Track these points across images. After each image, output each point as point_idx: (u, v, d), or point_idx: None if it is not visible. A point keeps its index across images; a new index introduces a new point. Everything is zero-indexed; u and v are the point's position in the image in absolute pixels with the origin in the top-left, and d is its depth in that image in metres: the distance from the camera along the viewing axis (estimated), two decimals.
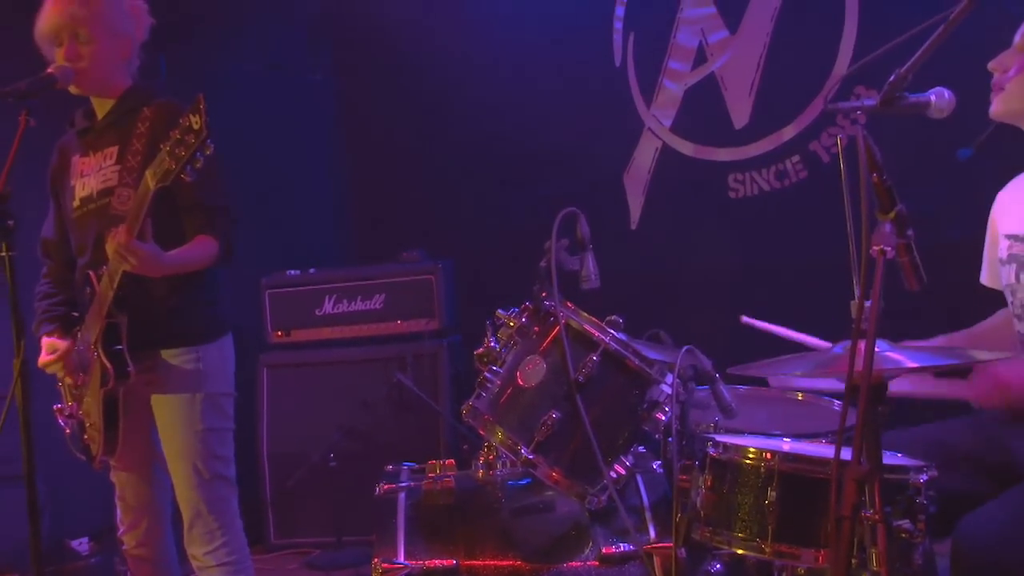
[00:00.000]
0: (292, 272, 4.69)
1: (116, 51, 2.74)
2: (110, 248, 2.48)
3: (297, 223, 5.08)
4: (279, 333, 4.64)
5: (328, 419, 4.43)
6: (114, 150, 2.72)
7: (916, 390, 2.22)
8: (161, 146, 2.35)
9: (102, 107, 2.80)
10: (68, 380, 2.80)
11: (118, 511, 2.90)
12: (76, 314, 2.80)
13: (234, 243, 2.70)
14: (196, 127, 2.27)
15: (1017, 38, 2.20)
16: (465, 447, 3.92)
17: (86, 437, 2.76)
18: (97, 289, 2.63)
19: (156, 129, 2.60)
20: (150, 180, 2.39)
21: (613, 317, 2.28)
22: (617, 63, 4.66)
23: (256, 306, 4.65)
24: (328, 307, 4.61)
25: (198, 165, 2.31)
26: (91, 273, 2.67)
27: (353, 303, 4.59)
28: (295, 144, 5.09)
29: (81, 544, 4.04)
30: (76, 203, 2.77)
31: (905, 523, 1.80)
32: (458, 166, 4.98)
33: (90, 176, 2.75)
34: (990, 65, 2.22)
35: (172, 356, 2.70)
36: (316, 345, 4.60)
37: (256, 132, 4.75)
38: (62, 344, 2.77)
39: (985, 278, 2.53)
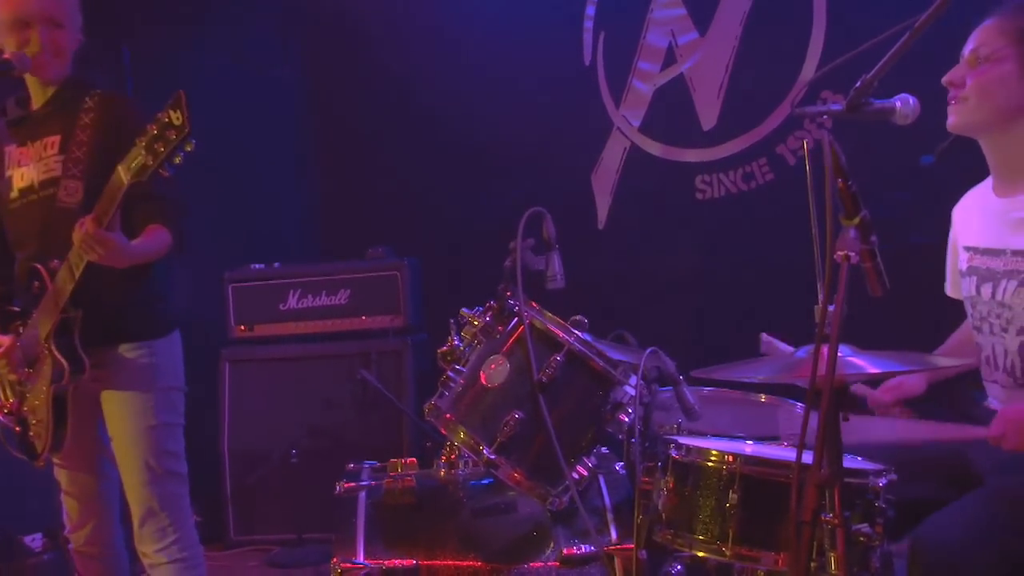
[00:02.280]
0: (256, 266, 4.64)
1: (74, 39, 2.71)
2: (77, 238, 2.43)
3: (263, 217, 5.03)
4: (242, 327, 4.59)
5: (290, 415, 4.40)
6: (56, 139, 2.67)
7: (936, 435, 2.21)
8: (137, 141, 2.30)
9: (42, 95, 2.74)
10: (11, 377, 2.74)
11: (64, 509, 2.85)
12: (16, 309, 2.74)
13: (186, 233, 2.66)
14: (178, 123, 2.24)
15: (966, 51, 2.21)
16: (428, 444, 3.89)
17: (31, 434, 2.70)
18: (50, 283, 2.58)
19: (103, 121, 2.57)
20: (123, 175, 2.35)
21: (578, 317, 2.28)
22: (587, 62, 4.66)
23: (219, 300, 4.59)
24: (292, 302, 4.56)
25: (178, 161, 2.28)
26: (39, 267, 2.61)
27: (318, 298, 4.55)
28: (262, 138, 5.03)
29: (34, 540, 3.97)
30: (15, 194, 2.72)
31: (864, 527, 1.82)
32: (426, 163, 4.95)
33: (29, 166, 2.70)
34: (944, 80, 2.23)
35: (127, 350, 2.66)
36: (279, 340, 4.55)
37: (223, 125, 4.66)
38: (5, 340, 2.71)
39: (949, 290, 2.55)
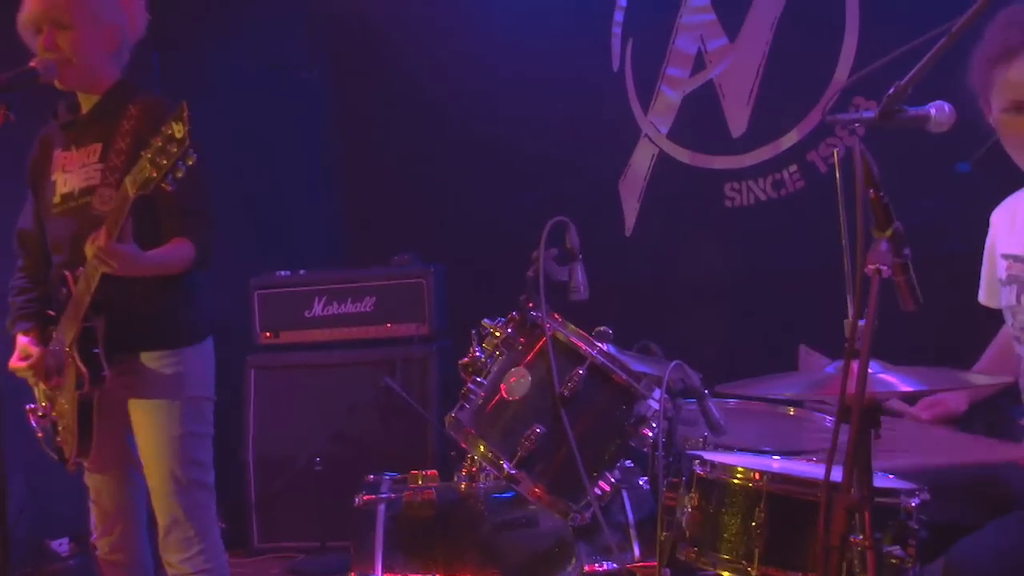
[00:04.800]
0: (282, 273, 4.64)
1: (100, 41, 2.65)
2: (89, 251, 2.42)
3: (289, 224, 5.03)
4: (267, 334, 4.59)
5: (315, 422, 4.38)
6: (98, 147, 2.65)
7: (966, 459, 2.16)
8: (142, 153, 2.29)
9: (88, 101, 2.73)
10: (43, 383, 2.74)
11: (92, 515, 2.85)
12: (52, 312, 2.74)
13: (211, 247, 2.64)
14: (179, 136, 2.21)
15: None
16: (453, 454, 3.85)
17: (59, 439, 2.71)
18: (74, 291, 2.58)
19: (141, 128, 2.53)
20: (129, 188, 2.33)
21: (602, 328, 2.24)
22: (615, 68, 4.62)
23: (245, 307, 4.59)
24: (318, 309, 4.56)
25: (179, 175, 2.26)
26: (67, 274, 2.61)
27: (343, 305, 4.54)
28: (289, 144, 5.04)
29: (61, 545, 3.99)
30: (57, 199, 2.71)
31: (896, 549, 1.76)
32: (453, 169, 4.93)
33: (73, 172, 2.69)
34: None
35: (152, 359, 2.65)
36: (304, 347, 4.55)
37: (250, 131, 4.71)
38: (35, 351, 2.70)
39: (983, 297, 2.49)
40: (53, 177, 2.74)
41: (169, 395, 2.65)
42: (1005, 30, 2.08)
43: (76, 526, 3.87)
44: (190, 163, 2.24)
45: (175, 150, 2.22)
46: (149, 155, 2.27)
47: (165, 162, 2.24)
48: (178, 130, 2.21)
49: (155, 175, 2.26)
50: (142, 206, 2.45)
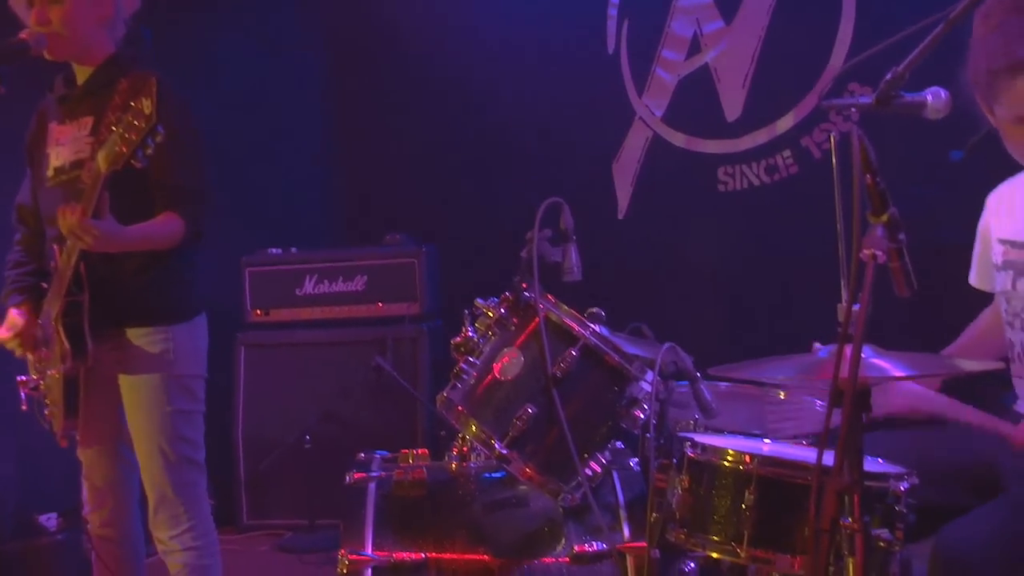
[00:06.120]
0: (273, 250, 4.64)
1: (91, 13, 2.63)
2: (62, 226, 2.41)
3: (281, 202, 5.01)
4: (258, 312, 4.58)
5: (305, 400, 4.39)
6: (89, 120, 2.64)
7: (957, 414, 2.16)
8: (114, 128, 2.27)
9: (82, 74, 2.71)
10: (31, 355, 2.74)
11: (84, 490, 2.85)
12: (45, 285, 2.72)
13: (202, 222, 2.63)
14: (147, 111, 2.20)
15: None
16: (443, 433, 3.87)
17: (48, 412, 2.71)
18: (59, 264, 2.57)
19: (125, 104, 2.52)
20: (102, 163, 2.32)
21: (595, 310, 2.24)
22: (610, 50, 4.60)
23: (236, 284, 4.58)
24: (309, 287, 4.55)
25: (148, 151, 2.24)
26: (56, 247, 2.60)
27: (334, 284, 4.54)
28: (281, 122, 5.01)
29: (49, 520, 3.98)
30: (50, 172, 2.70)
31: (883, 532, 1.77)
32: (447, 149, 4.92)
33: (65, 146, 2.68)
34: None
35: (140, 335, 2.64)
36: (295, 325, 4.55)
37: (243, 109, 4.68)
38: (20, 321, 2.70)
39: (974, 279, 2.49)
40: (48, 150, 2.72)
41: (158, 371, 2.64)
42: (1006, 42, 2.02)
43: (65, 501, 3.87)
44: (158, 139, 2.22)
45: (143, 125, 2.20)
46: (120, 130, 2.25)
47: (134, 137, 2.23)
48: (146, 105, 2.19)
49: (124, 151, 2.25)
50: (134, 181, 2.44)
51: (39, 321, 2.69)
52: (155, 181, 2.54)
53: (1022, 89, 2.02)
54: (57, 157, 2.69)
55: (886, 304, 1.67)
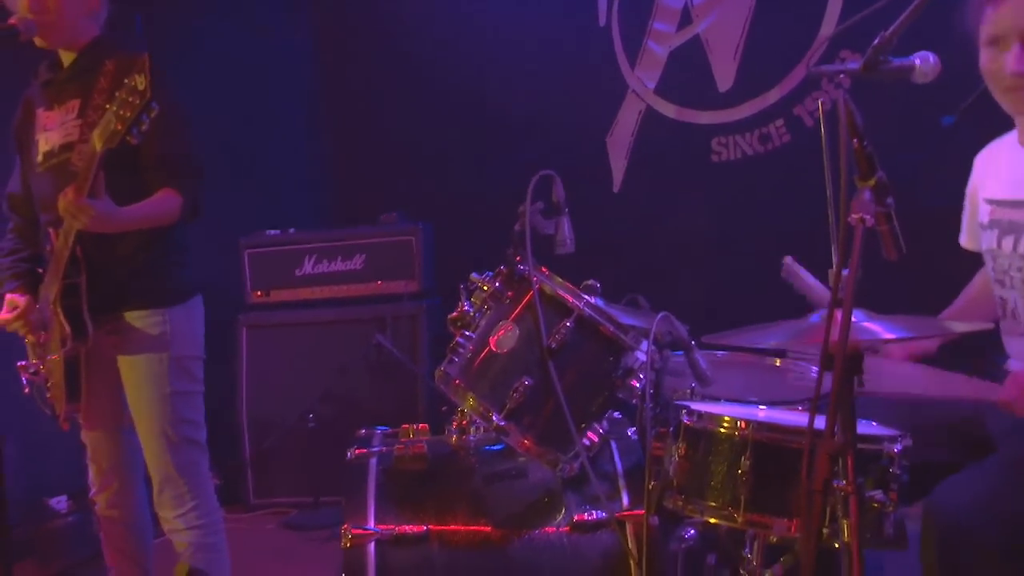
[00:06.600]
0: (272, 232, 4.65)
1: (80, 3, 2.65)
2: (61, 207, 2.42)
3: (277, 183, 5.02)
4: (258, 293, 4.61)
5: (307, 380, 4.41)
6: (76, 103, 2.65)
7: (944, 392, 2.18)
8: (107, 107, 2.28)
9: (67, 58, 2.72)
10: (31, 338, 2.76)
11: (90, 472, 2.87)
12: (41, 270, 2.74)
13: (200, 197, 2.63)
14: (140, 87, 2.20)
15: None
16: (444, 409, 3.87)
17: (50, 396, 2.72)
18: (55, 247, 2.58)
19: (115, 84, 2.53)
20: (96, 142, 2.32)
21: (590, 282, 2.24)
22: (601, 23, 4.59)
23: (235, 266, 4.60)
24: (308, 267, 4.57)
25: (144, 128, 2.25)
26: (51, 231, 2.61)
27: (333, 263, 4.56)
28: (274, 104, 5.01)
29: (59, 502, 4.01)
30: (40, 158, 2.70)
31: (877, 494, 1.79)
32: (438, 127, 4.91)
33: (53, 130, 2.68)
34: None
35: (137, 318, 2.66)
36: (295, 305, 4.58)
37: (235, 91, 4.67)
38: (22, 301, 2.71)
39: (964, 240, 2.51)
40: (36, 136, 2.73)
41: (155, 352, 2.66)
42: None
43: (74, 483, 3.90)
44: (153, 115, 2.23)
45: (137, 102, 2.21)
46: (114, 108, 2.26)
47: (128, 114, 2.23)
48: (140, 82, 2.20)
49: (120, 128, 2.25)
50: (128, 160, 2.45)
51: (37, 306, 2.70)
52: (151, 157, 2.54)
53: (991, 15, 2.12)
54: (46, 142, 2.70)
55: (880, 269, 1.69)
